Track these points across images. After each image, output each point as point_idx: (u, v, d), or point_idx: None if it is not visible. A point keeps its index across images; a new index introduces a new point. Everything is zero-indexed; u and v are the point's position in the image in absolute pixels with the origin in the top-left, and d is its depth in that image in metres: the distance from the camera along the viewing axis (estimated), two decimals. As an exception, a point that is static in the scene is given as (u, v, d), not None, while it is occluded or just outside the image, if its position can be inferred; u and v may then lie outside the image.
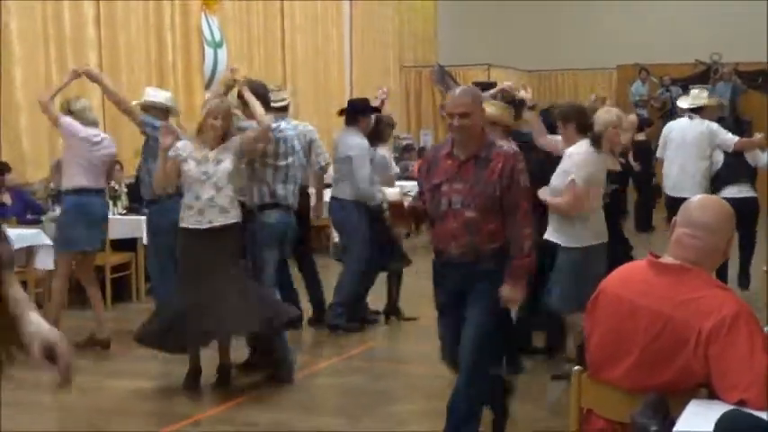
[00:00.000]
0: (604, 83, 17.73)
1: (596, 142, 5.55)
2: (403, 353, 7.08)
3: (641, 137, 11.51)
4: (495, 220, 4.11)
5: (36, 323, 2.17)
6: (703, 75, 16.19)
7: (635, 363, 2.78)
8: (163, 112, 6.71)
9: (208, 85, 11.25)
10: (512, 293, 4.14)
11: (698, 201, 2.92)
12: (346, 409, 5.54)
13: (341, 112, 7.61)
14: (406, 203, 4.90)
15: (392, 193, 6.86)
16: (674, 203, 7.18)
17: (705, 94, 8.42)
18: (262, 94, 6.04)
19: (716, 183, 7.85)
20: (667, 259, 2.87)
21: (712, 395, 2.65)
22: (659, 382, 2.72)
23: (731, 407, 2.45)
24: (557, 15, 17.41)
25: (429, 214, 4.26)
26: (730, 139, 7.80)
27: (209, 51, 11.84)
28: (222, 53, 12.04)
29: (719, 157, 7.86)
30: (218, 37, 11.99)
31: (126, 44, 10.61)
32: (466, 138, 4.12)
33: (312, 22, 14.68)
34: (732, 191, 7.64)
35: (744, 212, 6.87)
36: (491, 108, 5.50)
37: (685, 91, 12.38)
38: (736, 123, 9.35)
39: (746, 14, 15.61)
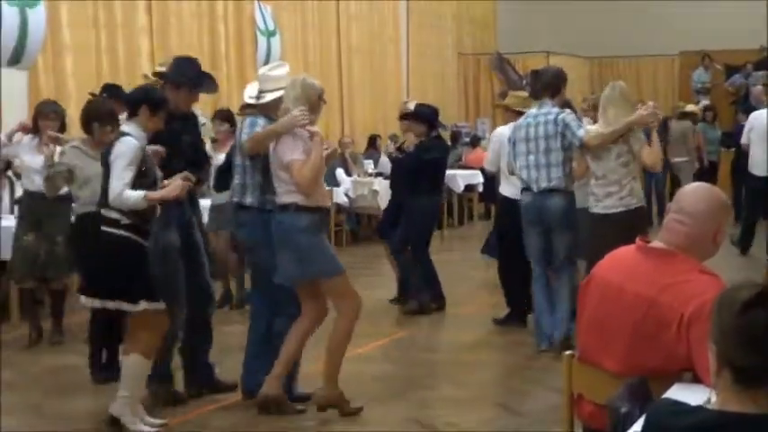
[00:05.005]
0: (666, 69, 17.08)
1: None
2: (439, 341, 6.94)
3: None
4: None
5: None
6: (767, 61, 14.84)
7: (621, 346, 2.74)
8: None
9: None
10: None
11: (691, 188, 2.93)
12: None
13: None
14: None
15: None
16: (759, 182, 8.91)
17: None
18: None
19: None
20: (656, 244, 2.85)
21: (696, 379, 2.62)
22: (645, 367, 2.68)
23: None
24: (618, 1, 16.43)
25: None
26: None
27: (262, 40, 11.51)
28: (276, 42, 11.70)
29: None
30: (271, 26, 11.69)
31: (177, 31, 10.40)
32: None
33: (367, 7, 14.19)
34: None
35: None
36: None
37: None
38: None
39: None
